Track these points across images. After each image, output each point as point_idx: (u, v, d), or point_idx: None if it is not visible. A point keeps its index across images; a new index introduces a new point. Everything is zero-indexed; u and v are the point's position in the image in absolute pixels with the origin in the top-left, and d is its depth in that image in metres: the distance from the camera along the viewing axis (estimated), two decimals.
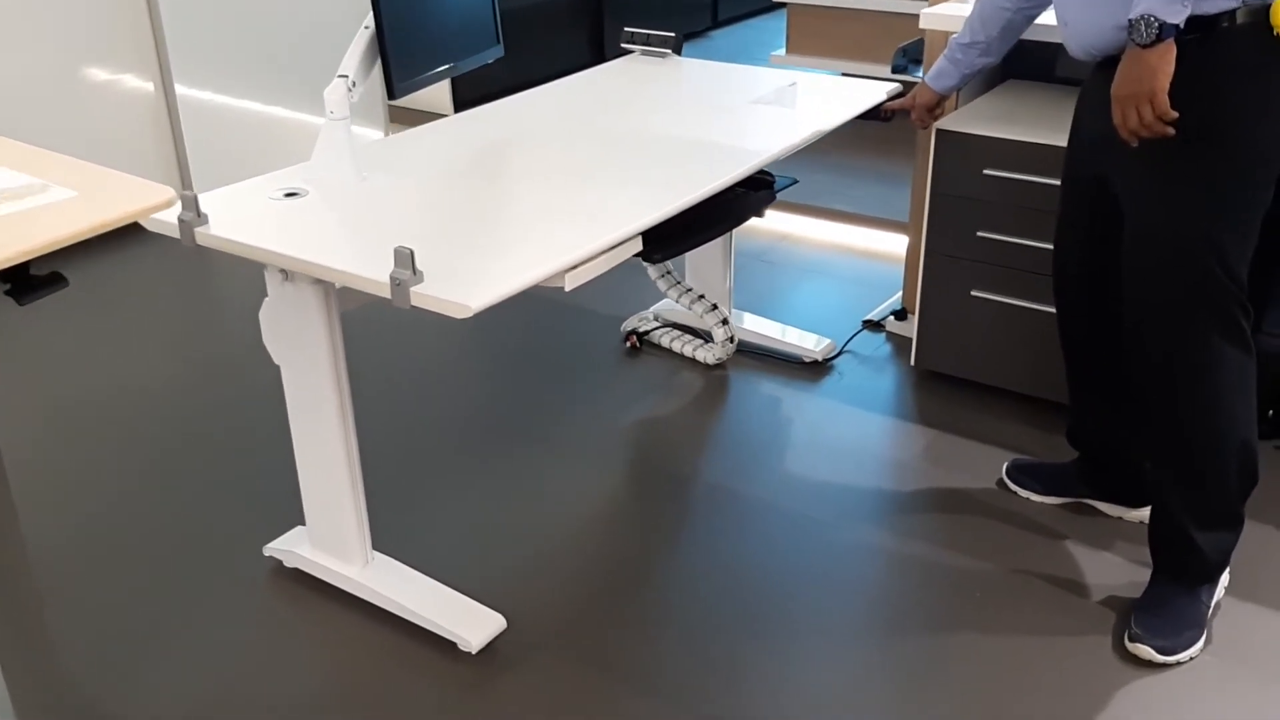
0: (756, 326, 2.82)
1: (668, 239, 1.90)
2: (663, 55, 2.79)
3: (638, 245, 1.79)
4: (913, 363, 2.59)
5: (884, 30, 4.40)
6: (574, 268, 1.63)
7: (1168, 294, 1.70)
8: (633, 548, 2.07)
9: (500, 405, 2.57)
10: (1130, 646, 1.79)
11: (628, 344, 2.84)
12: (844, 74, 4.79)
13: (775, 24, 6.28)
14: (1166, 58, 1.53)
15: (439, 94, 4.75)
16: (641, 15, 5.65)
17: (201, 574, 2.02)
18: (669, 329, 2.84)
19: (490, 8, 2.24)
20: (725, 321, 2.67)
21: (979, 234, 2.37)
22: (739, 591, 1.95)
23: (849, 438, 2.41)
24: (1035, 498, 2.17)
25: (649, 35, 2.82)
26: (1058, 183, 2.22)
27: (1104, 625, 1.86)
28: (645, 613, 1.91)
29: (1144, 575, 1.94)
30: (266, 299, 1.82)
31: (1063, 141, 2.21)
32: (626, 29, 2.87)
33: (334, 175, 1.94)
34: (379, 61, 1.95)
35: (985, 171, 2.31)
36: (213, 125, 3.72)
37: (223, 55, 3.69)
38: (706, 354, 2.72)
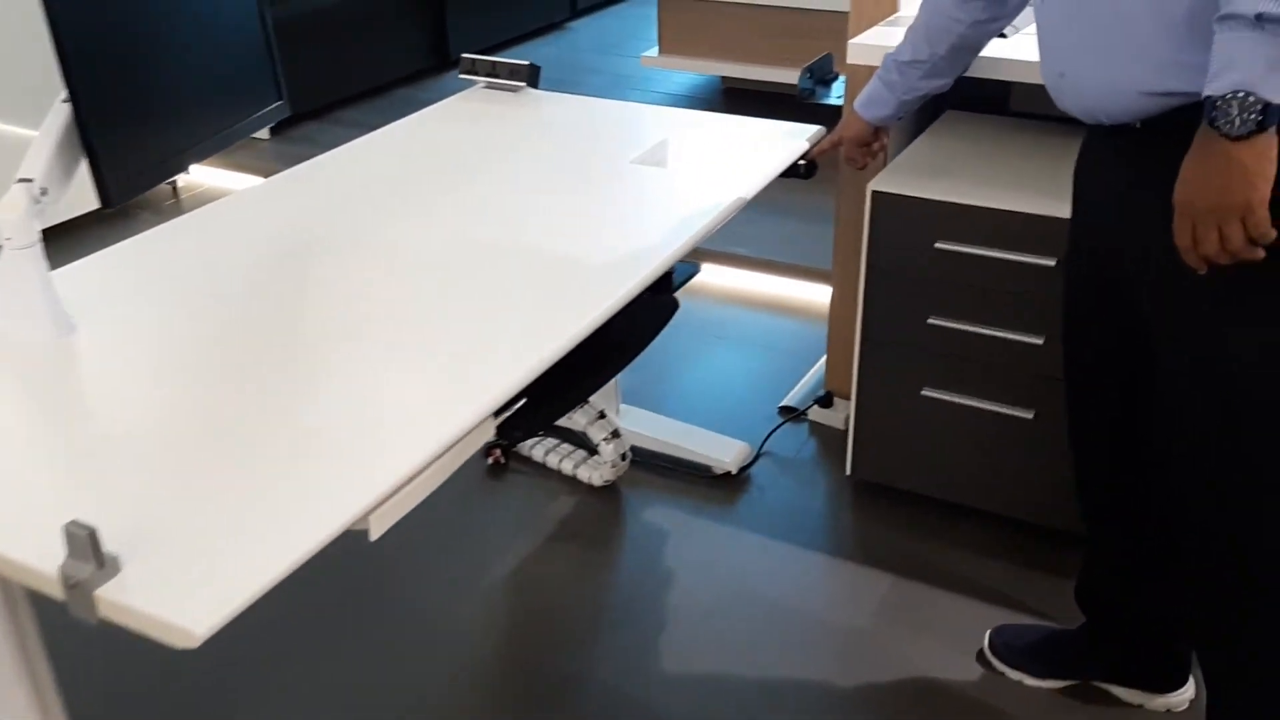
0: (653, 429, 2.30)
1: (534, 403, 1.35)
2: (514, 89, 2.22)
3: (487, 433, 1.24)
4: (849, 472, 2.12)
5: (774, 27, 3.91)
6: (385, 501, 1.07)
7: (1247, 469, 1.25)
8: None
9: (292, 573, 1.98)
10: None
11: (489, 459, 2.28)
12: (724, 77, 4.30)
13: (643, 10, 5.75)
14: (1268, 155, 1.06)
15: None
16: (491, 7, 5.03)
17: None
18: (543, 437, 2.29)
19: (260, 45, 1.62)
20: (616, 434, 2.14)
21: (931, 321, 1.90)
22: None
23: (778, 594, 1.91)
24: (1030, 681, 1.71)
25: (494, 64, 2.25)
26: (1035, 261, 1.77)
27: None
28: None
29: None
30: None
31: (1039, 204, 1.75)
32: (465, 55, 2.28)
33: (18, 332, 1.32)
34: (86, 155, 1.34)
35: (938, 245, 1.84)
36: None
37: None
38: (592, 473, 2.19)
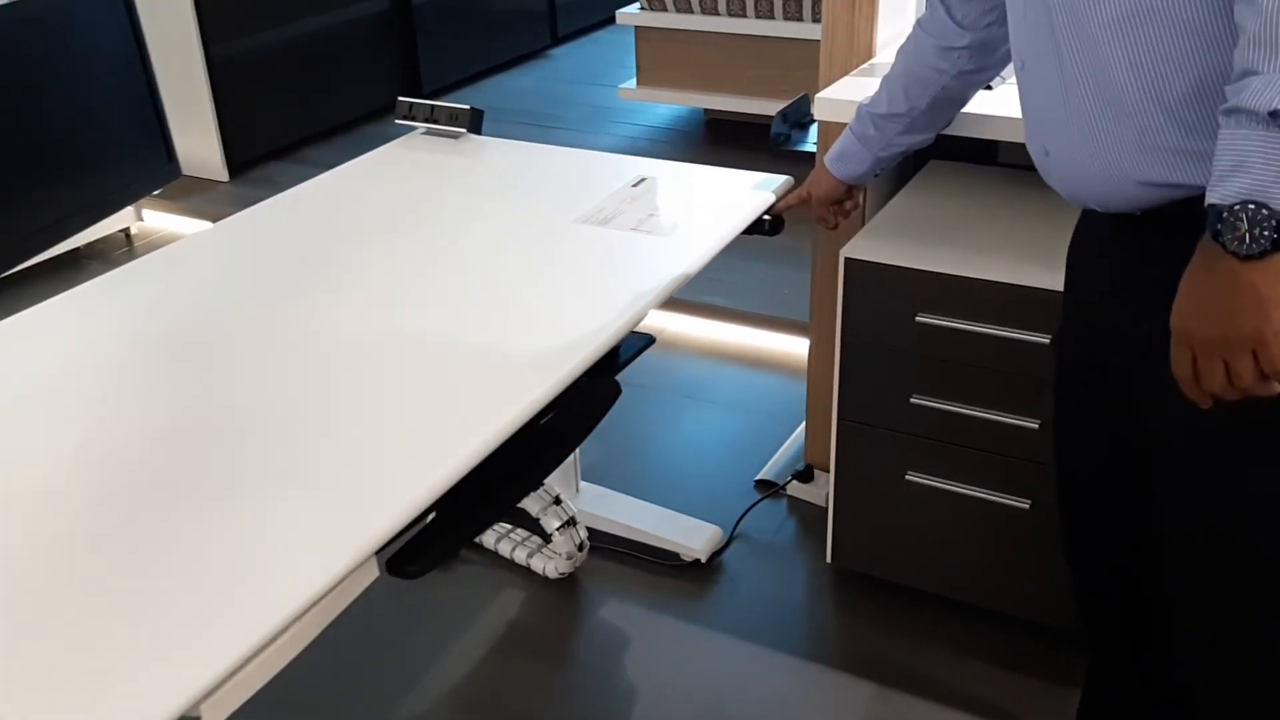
0: (615, 511, 2.12)
1: (437, 526, 1.18)
2: (455, 135, 2.06)
3: (366, 576, 1.06)
4: (829, 559, 1.93)
5: (757, 58, 3.76)
6: (223, 684, 0.89)
7: (1256, 610, 1.08)
8: None
9: None
10: None
11: None
12: (706, 109, 4.14)
13: (625, 38, 5.59)
14: None
15: (205, 152, 3.90)
16: (466, 36, 4.89)
17: None
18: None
19: (146, 109, 1.46)
20: (572, 521, 1.96)
21: (914, 400, 1.72)
22: None
23: (751, 707, 1.72)
24: None
25: (433, 108, 2.09)
26: (1029, 338, 1.59)
27: None
28: None
29: None
30: None
31: (1032, 274, 1.57)
32: (401, 99, 2.13)
33: None
34: None
35: (919, 318, 1.66)
36: None
37: None
38: (546, 564, 2.01)
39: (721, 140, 4.08)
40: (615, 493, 2.16)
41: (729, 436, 2.42)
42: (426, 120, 2.09)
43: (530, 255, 1.57)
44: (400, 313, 1.41)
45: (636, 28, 3.95)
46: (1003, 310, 1.60)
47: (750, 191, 1.78)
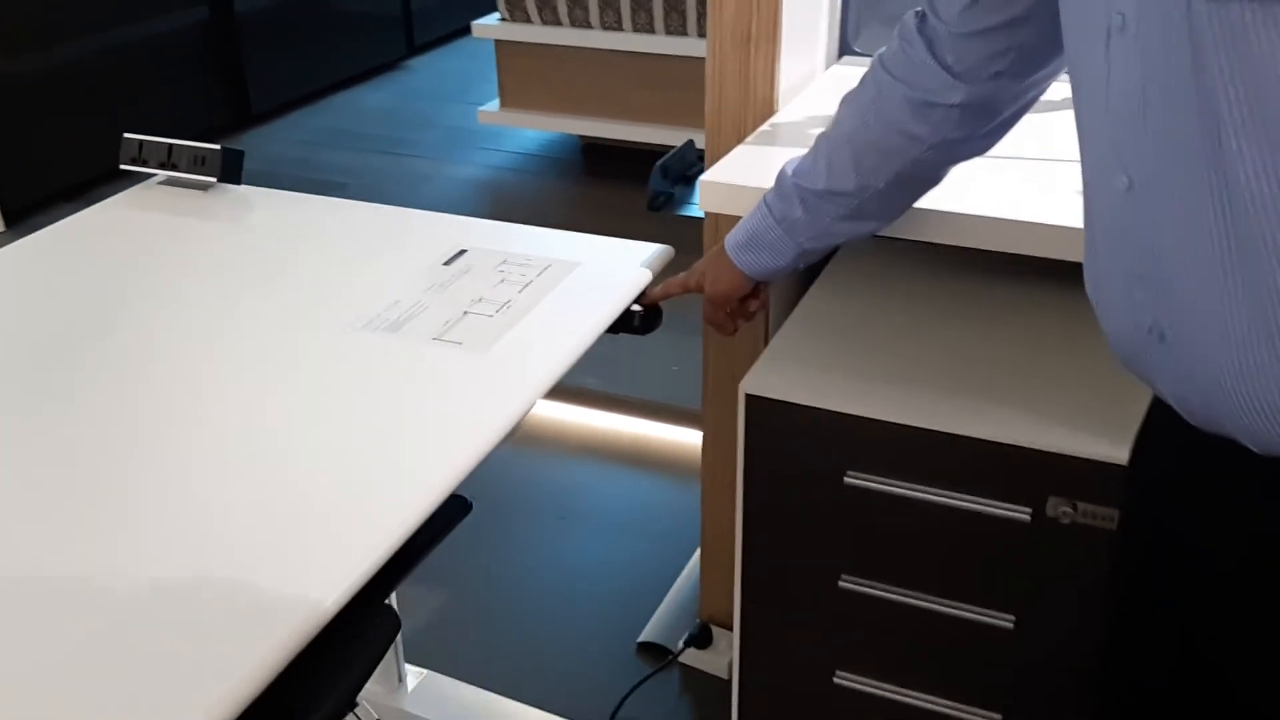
0: (452, 710, 1.63)
1: None
2: (202, 186, 1.56)
3: None
4: None
5: (634, 77, 3.31)
6: None
7: None
8: None
9: None
10: None
11: None
12: (584, 136, 3.68)
13: (489, 47, 5.11)
14: None
15: None
16: (305, 47, 4.33)
17: None
18: None
19: None
20: None
21: (844, 583, 1.28)
22: None
23: None
24: None
25: (172, 148, 1.58)
26: (1003, 512, 1.17)
27: None
28: None
29: None
30: None
31: (1006, 425, 1.14)
32: (128, 137, 1.60)
33: None
34: None
35: (849, 478, 1.22)
36: None
37: None
38: None
39: (600, 170, 3.62)
40: (453, 681, 1.67)
41: (607, 571, 1.96)
42: (162, 166, 1.58)
43: (279, 391, 1.08)
44: (64, 505, 0.90)
45: (496, 42, 3.48)
46: (965, 471, 1.17)
47: (616, 267, 1.30)
